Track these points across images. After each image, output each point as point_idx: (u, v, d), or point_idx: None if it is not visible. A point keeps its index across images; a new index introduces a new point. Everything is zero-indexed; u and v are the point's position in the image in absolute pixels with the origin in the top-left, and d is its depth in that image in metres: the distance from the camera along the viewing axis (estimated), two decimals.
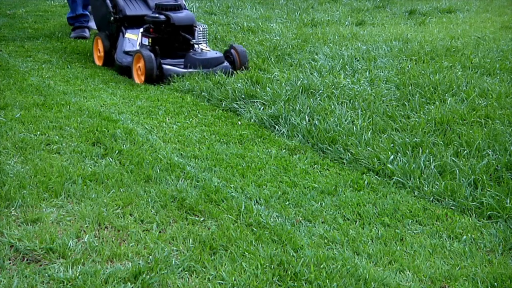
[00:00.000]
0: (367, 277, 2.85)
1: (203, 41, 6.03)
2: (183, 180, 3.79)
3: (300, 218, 3.40)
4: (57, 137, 4.42)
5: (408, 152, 4.05)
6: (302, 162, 4.10)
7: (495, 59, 6.01)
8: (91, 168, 3.94)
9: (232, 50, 5.97)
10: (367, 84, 5.45)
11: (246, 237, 3.17)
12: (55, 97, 5.30)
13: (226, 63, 5.90)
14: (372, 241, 3.18)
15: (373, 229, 3.29)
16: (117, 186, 3.70)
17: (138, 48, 6.07)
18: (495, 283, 2.83)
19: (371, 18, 8.59)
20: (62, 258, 3.00)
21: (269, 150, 4.30)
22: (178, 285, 2.82)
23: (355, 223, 3.36)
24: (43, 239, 3.11)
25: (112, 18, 6.28)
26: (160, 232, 3.26)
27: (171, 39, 5.95)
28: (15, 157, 4.09)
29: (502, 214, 3.38)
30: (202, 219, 3.38)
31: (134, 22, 6.25)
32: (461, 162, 3.89)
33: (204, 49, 6.00)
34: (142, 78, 5.75)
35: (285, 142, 4.45)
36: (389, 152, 4.05)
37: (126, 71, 6.03)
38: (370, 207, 3.51)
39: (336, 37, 7.21)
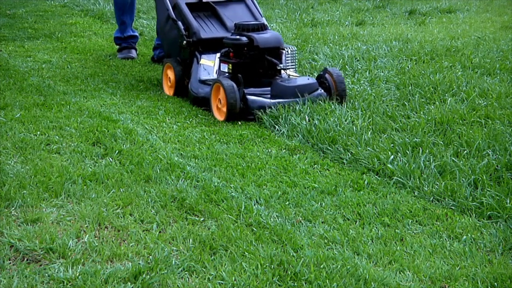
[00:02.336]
0: (367, 277, 2.85)
1: (292, 66, 5.18)
2: (183, 180, 3.79)
3: (300, 218, 3.40)
4: (57, 137, 4.42)
5: (408, 152, 4.05)
6: (302, 162, 4.10)
7: (495, 59, 6.02)
8: (91, 168, 3.94)
9: (327, 75, 5.05)
10: (367, 84, 5.45)
11: (246, 237, 3.17)
12: (55, 97, 5.31)
13: (320, 91, 5.00)
14: (372, 241, 3.18)
15: (373, 229, 3.29)
16: (117, 186, 3.70)
17: (215, 75, 5.24)
18: (495, 283, 2.83)
19: (371, 18, 8.59)
20: (62, 258, 3.00)
21: (269, 150, 4.30)
22: (178, 285, 2.82)
23: (355, 223, 3.36)
24: (43, 239, 3.11)
25: (184, 42, 5.36)
26: (160, 232, 3.26)
27: (255, 65, 5.06)
28: (15, 157, 4.10)
29: (502, 214, 3.38)
30: (202, 219, 3.38)
31: (210, 46, 5.34)
32: (461, 162, 3.89)
33: (293, 74, 5.18)
34: (224, 112, 4.84)
35: (285, 142, 4.45)
36: (389, 152, 4.05)
37: (203, 103, 5.15)
38: (370, 207, 3.52)
39: (336, 37, 7.21)
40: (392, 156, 4.00)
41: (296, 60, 5.23)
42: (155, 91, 5.59)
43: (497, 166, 3.82)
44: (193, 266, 2.95)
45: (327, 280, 2.83)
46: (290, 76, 5.12)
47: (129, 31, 6.96)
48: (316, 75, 5.22)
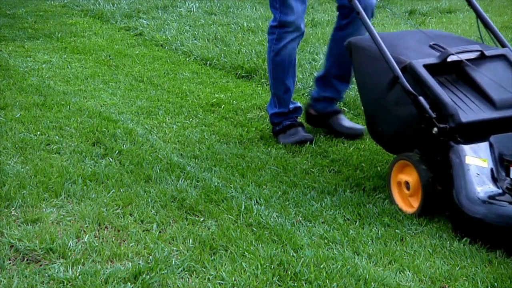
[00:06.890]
0: (367, 277, 2.85)
1: None
2: (183, 180, 3.79)
3: (300, 218, 3.40)
4: (57, 137, 4.42)
5: None
6: (302, 162, 4.10)
7: None
8: (91, 168, 3.94)
9: None
10: None
11: (246, 237, 3.17)
12: (55, 97, 5.30)
13: None
14: (372, 241, 3.18)
15: (373, 229, 3.29)
16: (117, 186, 3.71)
17: (492, 184, 3.31)
18: (495, 283, 2.84)
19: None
20: (62, 258, 3.00)
21: (269, 150, 4.30)
22: (178, 285, 2.82)
23: (355, 223, 3.36)
24: (43, 239, 3.11)
25: (435, 129, 3.40)
26: (160, 232, 3.27)
27: None
28: (15, 157, 4.10)
29: None
30: (202, 219, 3.38)
31: (473, 133, 3.43)
32: None
33: None
34: None
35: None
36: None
37: (488, 231, 3.18)
38: (370, 207, 3.51)
39: None
40: None
41: None
42: (155, 91, 5.58)
43: None
44: (193, 266, 2.95)
45: (327, 280, 2.83)
46: None
47: (289, 103, 4.58)
48: None
